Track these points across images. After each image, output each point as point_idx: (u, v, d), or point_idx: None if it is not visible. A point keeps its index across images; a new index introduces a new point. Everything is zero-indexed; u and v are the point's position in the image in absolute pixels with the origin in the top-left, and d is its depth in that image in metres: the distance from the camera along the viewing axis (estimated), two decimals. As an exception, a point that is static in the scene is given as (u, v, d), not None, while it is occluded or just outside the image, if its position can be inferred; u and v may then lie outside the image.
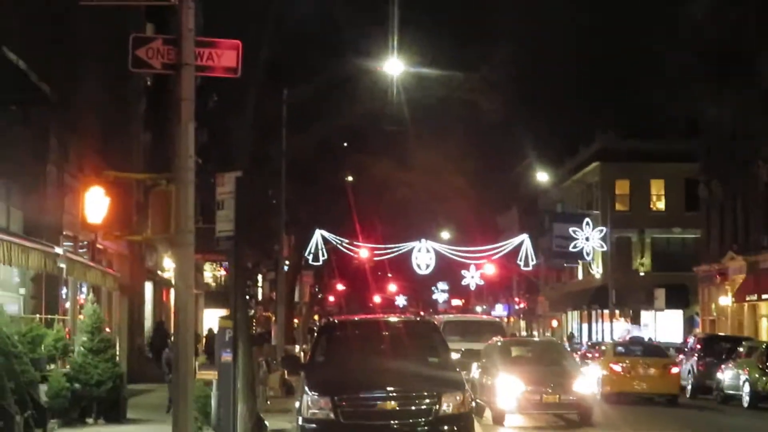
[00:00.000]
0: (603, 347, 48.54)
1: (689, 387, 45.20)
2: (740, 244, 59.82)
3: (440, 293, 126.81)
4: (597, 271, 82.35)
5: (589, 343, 65.56)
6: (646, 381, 39.16)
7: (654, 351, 45.39)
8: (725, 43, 55.20)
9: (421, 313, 68.65)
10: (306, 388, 20.22)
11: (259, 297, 60.93)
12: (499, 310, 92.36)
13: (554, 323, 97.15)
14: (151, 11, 27.38)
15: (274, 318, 55.69)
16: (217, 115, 29.99)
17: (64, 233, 32.60)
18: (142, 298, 45.87)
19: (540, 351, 33.75)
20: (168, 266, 46.05)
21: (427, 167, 67.73)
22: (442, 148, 66.83)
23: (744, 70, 54.55)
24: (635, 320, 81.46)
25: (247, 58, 15.49)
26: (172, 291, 45.85)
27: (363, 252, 75.88)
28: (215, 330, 33.85)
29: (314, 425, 19.46)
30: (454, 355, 41.92)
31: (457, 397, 19.91)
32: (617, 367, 39.43)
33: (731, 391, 40.34)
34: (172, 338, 28.07)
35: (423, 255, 77.82)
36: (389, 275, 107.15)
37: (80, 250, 32.84)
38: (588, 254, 77.63)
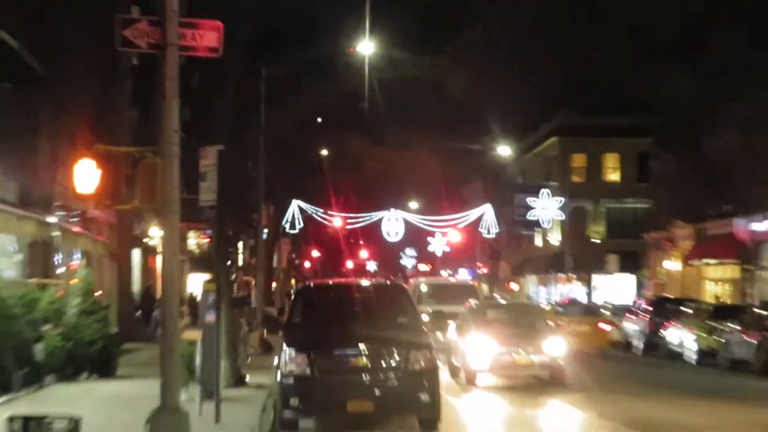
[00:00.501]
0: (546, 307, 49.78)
1: (641, 345, 45.57)
2: (687, 213, 60.11)
3: (408, 259, 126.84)
4: (554, 238, 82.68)
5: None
6: (579, 336, 39.78)
7: (588, 311, 48.88)
8: (677, 26, 55.32)
9: (391, 277, 68.75)
10: (284, 346, 20.33)
11: (240, 263, 60.86)
12: (463, 275, 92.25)
13: (514, 286, 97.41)
14: (137, -6, 27.46)
15: (253, 282, 55.77)
16: (199, 93, 29.91)
17: (57, 203, 32.58)
18: (130, 264, 45.85)
19: (515, 313, 32.67)
20: (154, 234, 46.01)
21: (398, 142, 67.91)
22: (412, 124, 67.14)
23: (694, 51, 54.71)
24: (589, 284, 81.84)
25: (227, 39, 15.51)
26: (159, 257, 45.90)
27: (336, 221, 76.02)
28: (197, 295, 33.93)
29: (291, 380, 19.56)
30: (425, 318, 42.06)
31: (424, 354, 20.04)
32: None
33: (677, 349, 40.69)
34: (159, 300, 28.17)
35: (392, 223, 78.04)
36: (361, 242, 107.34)
37: (72, 219, 32.81)
38: (546, 223, 77.93)
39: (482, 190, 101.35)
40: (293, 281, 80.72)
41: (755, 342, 33.66)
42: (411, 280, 60.81)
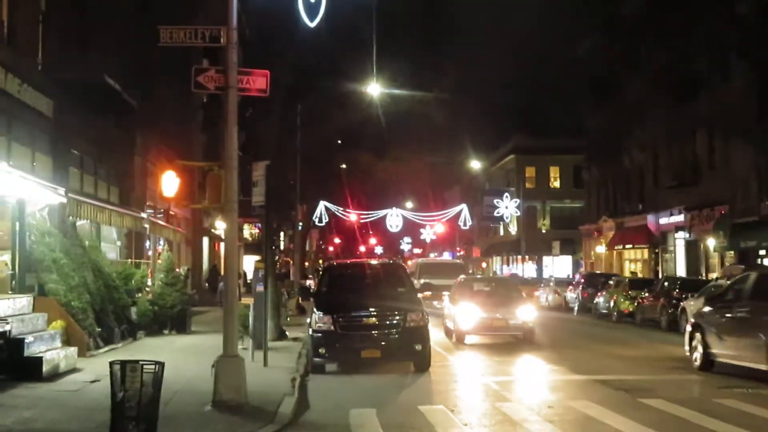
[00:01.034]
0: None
1: (576, 308, 45.53)
2: (610, 210, 60.08)
3: (406, 244, 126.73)
4: (513, 229, 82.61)
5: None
6: None
7: (524, 281, 51.43)
8: (601, 69, 55.37)
9: (393, 258, 68.61)
10: (315, 309, 20.32)
11: (282, 247, 60.74)
12: (446, 256, 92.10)
13: (484, 265, 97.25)
14: (207, 49, 27.29)
15: (291, 262, 55.62)
16: (252, 122, 29.85)
17: (147, 203, 32.56)
18: (201, 249, 45.84)
19: (495, 286, 31.37)
20: (219, 226, 45.98)
21: (397, 157, 67.70)
22: (409, 144, 66.88)
23: (613, 89, 54.74)
24: (539, 263, 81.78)
25: (272, 83, 15.45)
26: (222, 243, 45.86)
27: (352, 216, 75.89)
28: (248, 272, 33.85)
29: (320, 334, 19.57)
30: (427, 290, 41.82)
31: (418, 315, 20.01)
32: None
33: (604, 311, 40.65)
34: (222, 276, 28.17)
35: (394, 218, 78.06)
36: (370, 232, 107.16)
37: (158, 215, 32.78)
38: (507, 218, 77.96)
39: (459, 193, 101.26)
40: (320, 261, 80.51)
41: (660, 305, 33.67)
42: (411, 261, 60.65)
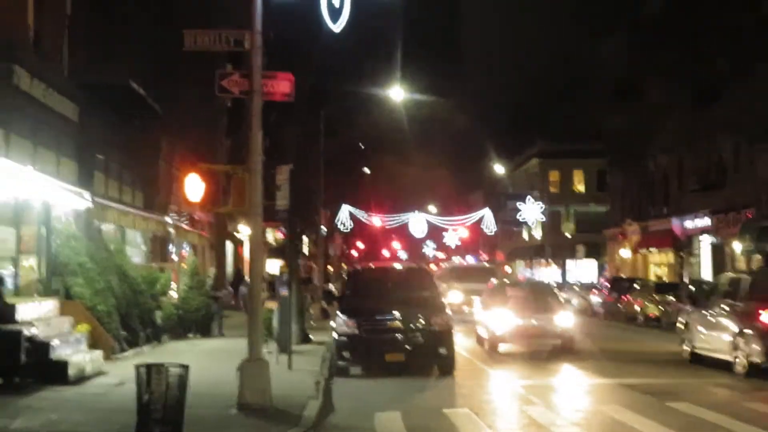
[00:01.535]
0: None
1: (602, 312, 45.29)
2: (635, 214, 59.77)
3: (429, 249, 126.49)
4: (537, 233, 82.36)
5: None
6: None
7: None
8: (624, 72, 55.21)
9: (417, 262, 68.56)
10: (339, 313, 20.36)
11: (305, 252, 60.84)
12: (469, 260, 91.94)
13: (508, 269, 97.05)
14: (230, 53, 27.36)
15: (315, 267, 55.68)
16: (276, 127, 29.92)
17: (172, 208, 32.65)
18: (225, 253, 45.94)
19: (531, 291, 28.75)
20: (243, 230, 46.07)
21: (421, 162, 67.81)
22: (431, 148, 67.08)
23: (636, 92, 54.53)
24: (563, 267, 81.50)
25: (296, 89, 15.47)
26: (246, 247, 45.94)
27: (376, 221, 75.88)
28: (275, 275, 33.92)
29: (345, 338, 19.59)
30: (459, 295, 41.46)
31: (442, 318, 19.99)
32: None
33: (631, 315, 40.41)
34: (247, 280, 28.22)
35: (417, 223, 77.97)
36: (393, 236, 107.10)
37: (182, 219, 32.89)
38: (530, 222, 77.79)
39: (483, 197, 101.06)
40: (344, 265, 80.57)
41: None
42: (441, 264, 60.54)
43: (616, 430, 13.13)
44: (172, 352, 21.90)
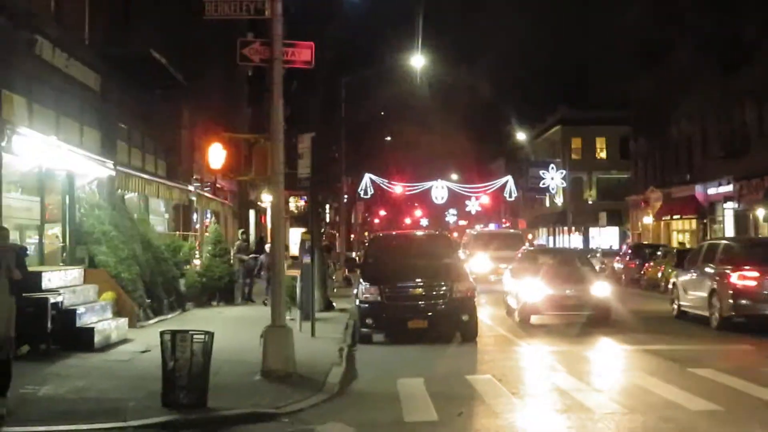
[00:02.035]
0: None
1: (623, 279, 45.08)
2: (658, 181, 59.44)
3: (451, 216, 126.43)
4: (559, 200, 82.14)
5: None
6: None
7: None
8: (648, 37, 54.67)
9: (439, 229, 68.44)
10: (361, 280, 20.42)
11: (327, 220, 60.91)
12: (491, 227, 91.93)
13: (530, 236, 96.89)
14: (252, 22, 27.36)
15: (337, 234, 55.79)
16: (297, 95, 29.88)
17: (195, 176, 32.74)
18: (247, 221, 46.06)
19: (563, 258, 27.43)
20: (265, 199, 46.14)
21: (443, 130, 67.57)
22: (453, 116, 66.78)
23: (661, 57, 54.07)
24: (585, 234, 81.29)
25: (317, 57, 15.43)
26: (268, 215, 46.06)
27: (397, 189, 75.81)
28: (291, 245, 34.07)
29: (367, 305, 19.64)
30: (488, 262, 40.01)
31: (465, 285, 19.98)
32: None
33: (653, 282, 40.21)
34: (269, 247, 28.31)
35: (439, 190, 77.95)
36: (416, 204, 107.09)
37: (205, 188, 32.98)
38: (553, 189, 77.56)
39: (505, 165, 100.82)
40: (366, 233, 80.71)
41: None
42: (467, 230, 59.93)
43: (638, 395, 13.13)
44: (196, 320, 22.05)
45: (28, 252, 16.43)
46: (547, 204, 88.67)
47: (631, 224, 69.56)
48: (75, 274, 18.43)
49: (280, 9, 14.70)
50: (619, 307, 25.71)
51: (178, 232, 30.89)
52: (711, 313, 22.43)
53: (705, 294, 22.89)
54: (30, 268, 16.56)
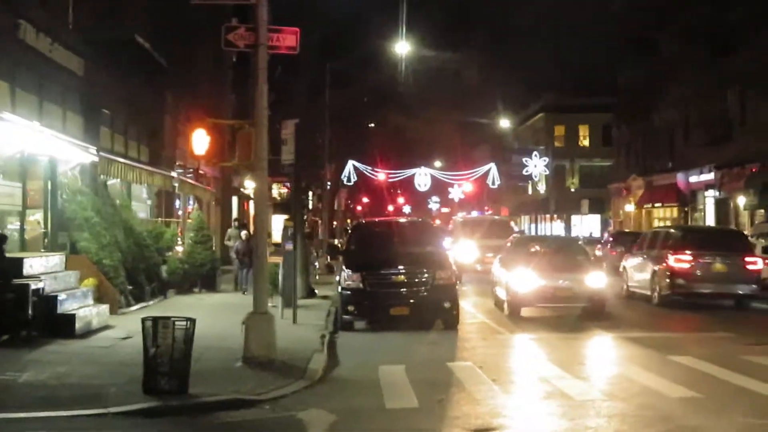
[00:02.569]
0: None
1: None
2: (640, 168, 59.64)
3: (434, 204, 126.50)
4: (542, 188, 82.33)
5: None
6: None
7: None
8: (632, 24, 54.70)
9: (423, 217, 68.53)
10: (343, 267, 20.37)
11: (310, 206, 60.88)
12: (474, 215, 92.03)
13: (513, 224, 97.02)
14: (236, 7, 27.28)
15: (320, 221, 55.76)
16: (281, 81, 29.80)
17: (177, 163, 32.64)
18: (230, 207, 45.98)
19: (556, 247, 25.48)
20: (248, 185, 46.07)
21: (426, 116, 67.52)
22: (437, 103, 66.66)
23: (645, 45, 54.14)
24: (568, 222, 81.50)
25: (302, 42, 15.38)
26: (251, 202, 45.98)
27: (381, 175, 75.75)
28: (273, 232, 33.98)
29: (349, 292, 19.62)
30: (474, 251, 39.40)
31: (446, 273, 19.99)
32: None
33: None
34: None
35: (422, 177, 77.86)
36: (399, 191, 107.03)
37: (188, 174, 32.87)
38: (535, 177, 77.71)
39: (488, 152, 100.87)
40: (349, 220, 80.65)
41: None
42: (452, 218, 59.42)
43: (618, 382, 13.19)
44: (178, 307, 21.98)
45: (6, 237, 16.38)
46: (530, 191, 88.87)
47: (612, 212, 69.83)
48: (56, 260, 18.35)
49: (264, -6, 14.65)
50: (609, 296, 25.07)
51: (160, 219, 30.81)
52: (653, 291, 25.74)
53: (648, 276, 26.23)
54: (11, 255, 16.57)
